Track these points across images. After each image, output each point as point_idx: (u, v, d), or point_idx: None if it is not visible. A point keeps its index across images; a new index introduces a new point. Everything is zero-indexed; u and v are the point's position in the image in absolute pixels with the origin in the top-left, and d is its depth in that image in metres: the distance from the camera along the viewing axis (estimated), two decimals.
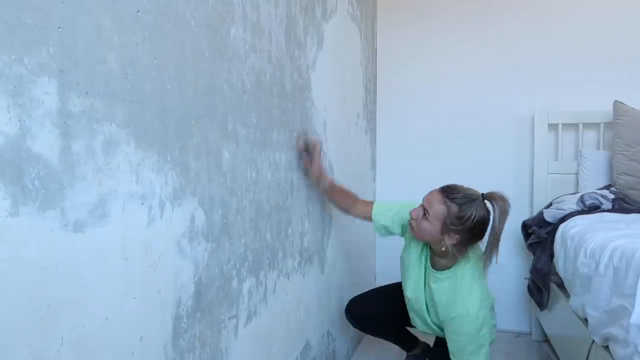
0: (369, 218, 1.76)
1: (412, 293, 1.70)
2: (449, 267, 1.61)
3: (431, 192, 1.56)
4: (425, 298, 1.68)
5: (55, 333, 0.68)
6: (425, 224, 1.54)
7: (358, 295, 1.96)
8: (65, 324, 0.70)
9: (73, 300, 0.71)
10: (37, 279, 0.65)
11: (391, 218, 1.74)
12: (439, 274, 1.62)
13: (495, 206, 1.50)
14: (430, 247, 1.65)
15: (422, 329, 1.78)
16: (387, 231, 1.76)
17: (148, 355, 0.87)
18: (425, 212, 1.54)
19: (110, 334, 0.78)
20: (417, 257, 1.69)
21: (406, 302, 1.76)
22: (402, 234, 1.76)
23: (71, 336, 0.71)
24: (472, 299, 1.55)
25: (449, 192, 1.53)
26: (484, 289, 1.60)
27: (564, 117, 2.54)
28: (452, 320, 1.56)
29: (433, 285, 1.63)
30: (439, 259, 1.63)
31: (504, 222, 1.51)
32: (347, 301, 1.95)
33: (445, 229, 1.52)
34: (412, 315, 1.78)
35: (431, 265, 1.65)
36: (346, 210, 1.81)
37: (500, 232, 1.51)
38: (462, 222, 1.49)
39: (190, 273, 1.00)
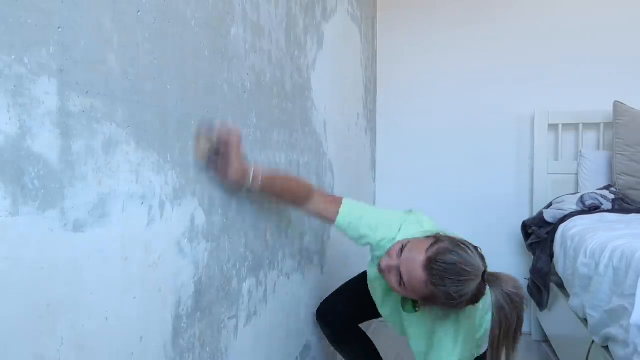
0: (329, 220, 1.36)
1: (390, 317, 1.48)
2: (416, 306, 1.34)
3: (410, 262, 1.15)
4: (404, 326, 1.41)
5: (55, 333, 0.68)
6: (400, 288, 1.20)
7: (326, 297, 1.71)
8: (65, 324, 0.70)
9: (73, 300, 0.71)
10: (37, 279, 0.65)
11: (361, 231, 1.35)
12: (412, 316, 1.34)
13: (500, 296, 1.11)
14: None
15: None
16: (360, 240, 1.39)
17: (148, 355, 0.87)
18: (401, 279, 1.18)
19: (110, 334, 0.78)
20: (387, 289, 1.41)
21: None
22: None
23: (71, 336, 0.71)
24: (451, 352, 1.24)
25: (435, 275, 1.12)
26: (466, 344, 1.26)
27: (564, 117, 2.54)
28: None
29: (406, 323, 1.37)
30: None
31: (515, 319, 1.11)
32: None
33: (427, 302, 1.21)
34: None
35: (401, 305, 1.38)
36: (299, 205, 1.34)
37: (512, 328, 1.11)
38: (451, 300, 1.14)
39: (190, 273, 1.00)
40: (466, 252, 1.14)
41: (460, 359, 1.23)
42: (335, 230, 1.44)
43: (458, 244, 1.15)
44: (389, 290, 1.39)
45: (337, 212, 1.33)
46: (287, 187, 1.31)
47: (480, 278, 1.13)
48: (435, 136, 2.77)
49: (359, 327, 1.68)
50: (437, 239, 1.18)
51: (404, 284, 1.17)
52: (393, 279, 1.19)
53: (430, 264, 1.12)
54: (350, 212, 1.34)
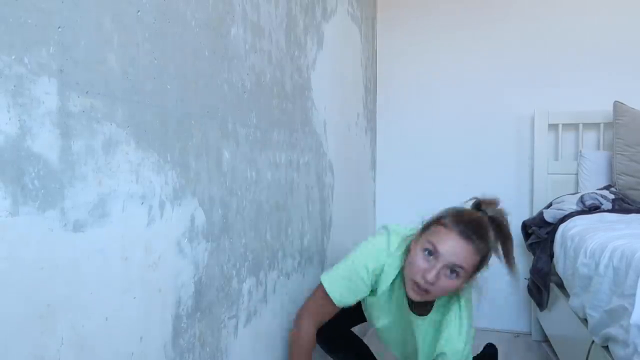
0: (329, 315, 1.43)
1: (388, 334, 1.50)
2: (430, 307, 1.38)
3: (455, 244, 1.21)
4: (406, 338, 1.46)
5: (55, 333, 0.68)
6: (452, 283, 1.22)
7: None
8: (65, 324, 0.70)
9: (73, 300, 0.71)
10: (37, 279, 0.65)
11: (358, 287, 1.38)
12: (420, 320, 1.38)
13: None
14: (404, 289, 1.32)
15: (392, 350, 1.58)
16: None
17: (148, 355, 0.87)
18: (454, 270, 1.21)
19: (110, 334, 0.78)
20: (387, 302, 1.42)
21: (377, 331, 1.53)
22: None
23: (71, 336, 0.71)
24: (460, 337, 1.31)
25: (477, 235, 1.22)
26: (470, 322, 1.36)
27: (564, 117, 2.54)
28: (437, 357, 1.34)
29: (416, 330, 1.41)
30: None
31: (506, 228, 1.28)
32: None
33: (472, 276, 1.27)
34: (383, 339, 1.56)
35: (410, 309, 1.40)
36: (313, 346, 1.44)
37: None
38: (487, 260, 1.26)
39: (190, 273, 1.00)
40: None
41: (467, 339, 1.32)
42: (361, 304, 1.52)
43: (458, 209, 1.33)
44: (388, 301, 1.41)
45: (331, 300, 1.38)
46: None
47: (487, 221, 1.27)
48: (435, 136, 2.77)
49: (351, 331, 1.66)
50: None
51: (458, 270, 1.21)
52: (441, 274, 1.21)
53: (469, 234, 1.21)
54: (335, 287, 1.38)
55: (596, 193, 2.19)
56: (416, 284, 1.23)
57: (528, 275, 2.32)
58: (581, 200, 2.16)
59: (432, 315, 1.37)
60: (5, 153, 0.60)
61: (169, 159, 0.92)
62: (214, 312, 1.09)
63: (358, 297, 1.40)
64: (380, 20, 2.85)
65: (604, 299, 1.34)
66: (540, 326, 2.42)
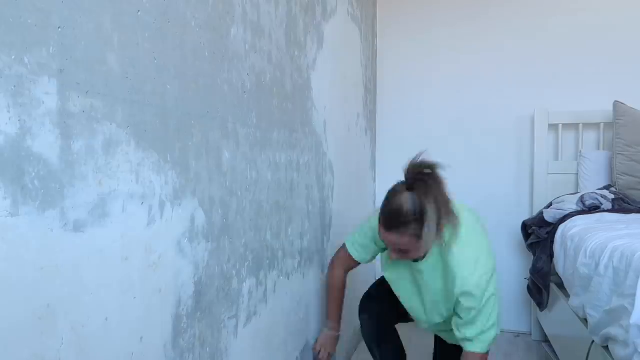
0: (352, 267, 1.70)
1: (409, 302, 1.59)
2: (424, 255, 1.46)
3: (388, 236, 1.36)
4: (422, 297, 1.53)
5: (55, 333, 0.68)
6: (413, 253, 1.37)
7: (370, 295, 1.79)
8: (65, 324, 0.70)
9: (73, 300, 0.71)
10: (37, 279, 0.65)
11: (369, 247, 1.63)
12: (421, 265, 1.47)
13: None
14: None
15: (426, 327, 1.66)
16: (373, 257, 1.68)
17: (148, 355, 0.87)
18: (403, 250, 1.37)
19: (110, 334, 0.78)
20: (399, 264, 1.56)
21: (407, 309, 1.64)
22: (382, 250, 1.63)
23: (71, 336, 0.71)
24: (468, 269, 1.37)
25: (398, 224, 1.32)
26: (477, 254, 1.40)
27: (564, 117, 2.54)
28: (457, 303, 1.41)
29: (420, 279, 1.49)
30: None
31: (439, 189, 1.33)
32: (347, 301, 1.94)
33: (425, 243, 1.34)
34: (414, 316, 1.65)
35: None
36: (345, 288, 1.75)
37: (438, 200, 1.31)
38: (425, 225, 1.30)
39: (190, 273, 1.00)
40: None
41: (485, 271, 1.38)
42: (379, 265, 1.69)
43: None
44: (401, 269, 1.56)
45: (351, 256, 1.66)
46: (340, 301, 1.73)
47: (404, 192, 1.35)
48: (435, 136, 2.77)
49: (396, 331, 1.76)
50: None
51: (403, 252, 1.37)
52: (399, 255, 1.39)
53: (387, 225, 1.36)
54: (356, 246, 1.65)
55: (596, 193, 2.19)
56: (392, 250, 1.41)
57: (528, 275, 2.31)
58: (581, 200, 2.16)
59: (430, 260, 1.44)
60: (5, 153, 0.60)
61: (169, 159, 0.92)
62: (214, 312, 1.09)
63: (371, 254, 1.64)
64: (380, 20, 2.85)
65: (604, 299, 1.34)
66: (540, 326, 2.42)
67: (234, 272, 1.18)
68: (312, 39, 1.72)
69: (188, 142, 0.98)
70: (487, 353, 1.41)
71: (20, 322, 0.63)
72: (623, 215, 1.99)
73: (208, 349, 1.07)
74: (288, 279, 1.53)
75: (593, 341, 1.42)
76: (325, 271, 1.91)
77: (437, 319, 1.53)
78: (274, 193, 1.41)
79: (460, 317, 1.41)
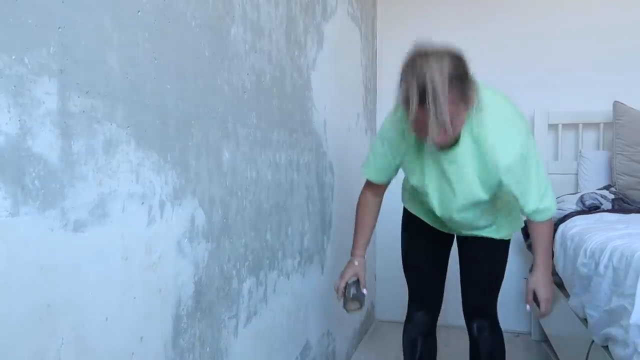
0: (381, 191, 1.53)
1: (440, 202, 1.41)
2: (456, 140, 1.30)
3: (421, 112, 1.13)
4: (454, 192, 1.36)
5: (55, 333, 0.68)
6: (459, 120, 1.19)
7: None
8: (65, 324, 0.70)
9: (73, 300, 0.71)
10: (37, 279, 0.65)
11: (386, 163, 1.44)
12: (451, 155, 1.31)
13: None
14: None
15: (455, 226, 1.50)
16: (394, 171, 1.48)
17: (148, 355, 0.87)
18: (445, 124, 1.14)
19: (110, 334, 0.78)
20: (417, 152, 1.38)
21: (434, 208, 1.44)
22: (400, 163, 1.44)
23: (71, 336, 0.71)
24: (504, 137, 1.27)
25: (427, 97, 1.12)
26: (510, 114, 1.31)
27: (564, 117, 2.54)
28: (502, 175, 1.28)
29: (450, 170, 1.34)
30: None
31: None
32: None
33: (464, 107, 1.19)
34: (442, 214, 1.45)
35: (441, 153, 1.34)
36: (375, 212, 1.58)
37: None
38: (462, 82, 1.18)
39: (190, 273, 1.00)
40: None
41: (520, 134, 1.29)
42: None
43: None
44: (422, 151, 1.37)
45: (370, 182, 1.50)
46: (369, 229, 1.58)
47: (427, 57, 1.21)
48: None
49: (435, 339, 1.68)
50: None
51: (449, 124, 1.14)
52: (435, 131, 1.15)
53: (421, 95, 1.13)
54: (370, 171, 1.48)
55: (596, 193, 2.19)
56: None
57: (528, 275, 2.31)
58: (581, 200, 2.16)
59: (462, 146, 1.29)
60: (5, 153, 0.60)
61: (169, 159, 0.92)
62: (214, 312, 1.09)
63: (387, 169, 1.45)
64: (380, 20, 2.85)
65: (604, 299, 1.34)
66: (540, 326, 2.42)
67: (234, 272, 1.18)
68: (312, 39, 1.72)
69: (188, 142, 0.98)
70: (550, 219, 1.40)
71: (21, 322, 0.63)
72: (623, 215, 1.99)
73: (208, 349, 1.07)
74: (288, 279, 1.53)
75: (593, 341, 1.43)
76: (325, 271, 1.91)
77: (469, 214, 1.41)
78: (274, 193, 1.41)
79: (514, 194, 1.32)
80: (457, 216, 1.42)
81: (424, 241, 1.57)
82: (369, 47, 2.67)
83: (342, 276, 1.50)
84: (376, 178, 1.48)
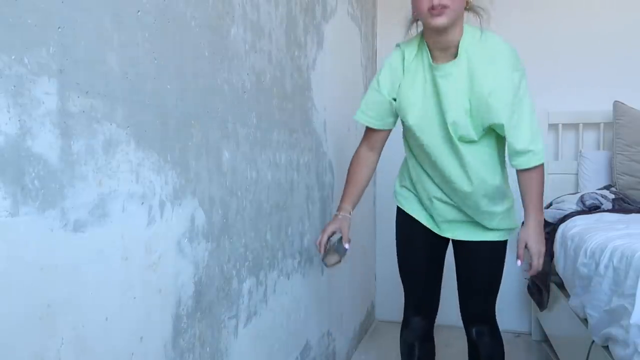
0: (376, 144, 1.51)
1: (422, 126, 1.36)
2: (455, 53, 1.33)
3: None
4: (442, 103, 1.33)
5: (55, 333, 0.68)
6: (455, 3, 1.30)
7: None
8: (65, 324, 0.70)
9: (73, 300, 0.71)
10: (37, 279, 0.65)
11: (381, 102, 1.41)
12: (448, 68, 1.32)
13: None
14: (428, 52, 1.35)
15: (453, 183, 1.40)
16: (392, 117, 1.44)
17: (148, 355, 0.87)
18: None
19: (110, 334, 0.78)
20: (413, 80, 1.38)
21: (432, 155, 1.38)
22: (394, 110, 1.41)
23: (71, 336, 0.71)
24: (502, 45, 1.35)
25: None
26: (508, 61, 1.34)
27: (564, 117, 2.54)
28: (488, 100, 1.29)
29: (444, 88, 1.32)
30: (441, 53, 1.34)
31: None
32: (347, 301, 1.92)
33: None
34: (438, 166, 1.39)
35: (436, 63, 1.35)
36: (367, 168, 1.55)
37: None
38: None
39: (190, 273, 1.00)
40: None
41: (518, 68, 1.35)
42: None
43: None
44: (418, 77, 1.38)
45: (368, 128, 1.47)
46: (359, 184, 1.52)
47: None
48: None
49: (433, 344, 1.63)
50: None
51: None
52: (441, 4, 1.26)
53: None
54: (363, 110, 1.45)
55: (596, 193, 2.19)
56: (432, 9, 1.26)
57: (528, 276, 2.31)
58: (581, 200, 2.16)
59: (459, 61, 1.32)
60: (5, 153, 0.60)
61: (169, 159, 0.92)
62: (214, 312, 1.09)
63: (381, 110, 1.42)
64: (380, 20, 2.85)
65: (604, 299, 1.34)
66: (540, 326, 2.41)
67: (234, 272, 1.18)
68: (312, 39, 1.72)
69: (188, 142, 0.99)
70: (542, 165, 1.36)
71: (21, 322, 0.63)
72: (623, 215, 1.99)
73: (208, 349, 1.07)
74: (288, 279, 1.53)
75: (593, 341, 1.42)
76: (325, 271, 1.91)
77: (465, 156, 1.35)
78: (274, 193, 1.41)
79: (503, 130, 1.31)
80: (456, 173, 1.36)
81: (418, 245, 1.52)
82: (369, 47, 2.67)
83: (324, 230, 1.44)
84: (369, 120, 1.44)
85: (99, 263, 0.76)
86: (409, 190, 1.53)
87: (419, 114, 1.36)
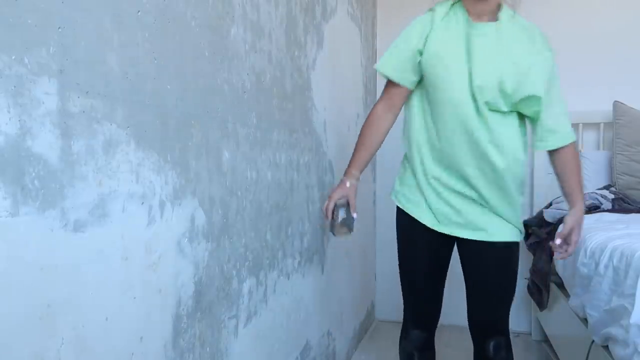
0: (395, 103, 1.42)
1: (459, 93, 1.28)
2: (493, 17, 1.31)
3: None
4: (472, 62, 1.27)
5: (55, 333, 0.68)
6: None
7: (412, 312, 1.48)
8: (65, 324, 0.70)
9: (73, 300, 0.71)
10: (37, 279, 0.65)
11: (404, 58, 1.35)
12: (487, 26, 1.29)
13: None
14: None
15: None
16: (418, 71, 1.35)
17: (148, 355, 0.87)
18: None
19: (110, 334, 0.78)
20: (446, 34, 1.32)
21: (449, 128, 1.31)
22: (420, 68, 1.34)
23: (71, 336, 0.71)
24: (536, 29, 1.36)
25: None
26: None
27: None
28: (528, 72, 1.27)
29: (476, 40, 1.28)
30: (477, 18, 1.30)
31: None
32: (347, 301, 1.92)
33: None
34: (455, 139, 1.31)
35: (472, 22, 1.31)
36: (381, 131, 1.44)
37: None
38: None
39: (190, 273, 1.00)
40: None
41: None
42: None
43: None
44: (452, 33, 1.33)
45: (389, 81, 1.40)
46: (371, 148, 1.43)
47: None
48: None
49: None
50: None
51: None
52: None
53: None
54: (386, 60, 1.39)
55: (596, 193, 2.19)
56: None
57: (528, 275, 2.32)
58: None
59: (499, 27, 1.30)
60: (5, 153, 0.60)
61: (169, 159, 0.92)
62: (214, 312, 1.09)
63: (407, 63, 1.35)
64: (380, 20, 2.85)
65: (604, 298, 1.34)
66: (540, 326, 2.42)
67: (234, 272, 1.18)
68: (312, 39, 1.72)
69: (188, 142, 0.99)
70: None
71: (21, 322, 0.63)
72: (623, 215, 1.99)
73: (208, 349, 1.07)
74: (288, 279, 1.53)
75: (593, 341, 1.43)
76: (325, 271, 1.91)
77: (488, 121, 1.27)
78: (274, 193, 1.41)
79: (537, 105, 1.28)
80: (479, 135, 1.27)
81: (420, 246, 1.40)
82: (369, 47, 2.67)
83: (330, 197, 1.36)
84: (391, 72, 1.37)
85: (99, 263, 0.76)
86: (411, 187, 1.40)
87: (447, 66, 1.29)
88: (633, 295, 1.15)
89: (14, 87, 0.61)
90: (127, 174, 0.81)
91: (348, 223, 1.36)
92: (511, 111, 1.30)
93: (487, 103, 1.26)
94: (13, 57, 0.61)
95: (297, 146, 1.59)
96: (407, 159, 1.45)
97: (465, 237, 1.34)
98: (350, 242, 2.26)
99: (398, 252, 1.46)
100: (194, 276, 1.01)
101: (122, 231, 0.80)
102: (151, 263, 0.88)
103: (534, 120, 1.35)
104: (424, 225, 1.37)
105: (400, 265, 1.47)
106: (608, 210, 2.06)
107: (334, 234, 1.37)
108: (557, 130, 1.31)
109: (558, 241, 1.33)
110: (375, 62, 2.83)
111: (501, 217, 1.33)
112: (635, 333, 1.11)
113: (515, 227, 1.36)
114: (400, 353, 1.53)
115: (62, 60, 0.68)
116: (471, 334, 1.43)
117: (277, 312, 1.45)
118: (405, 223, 1.42)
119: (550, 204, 2.32)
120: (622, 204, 2.12)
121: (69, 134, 0.70)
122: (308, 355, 1.73)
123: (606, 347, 1.33)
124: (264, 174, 1.34)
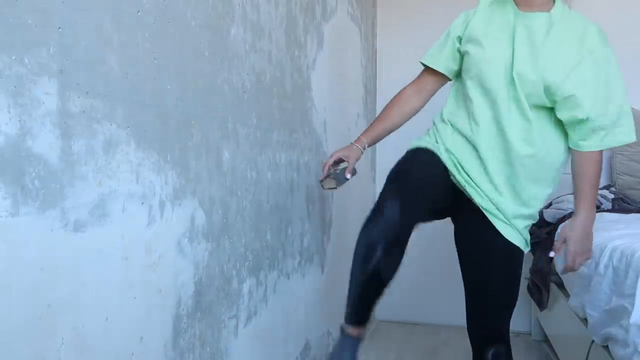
0: (425, 87, 1.46)
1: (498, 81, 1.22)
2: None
3: None
4: (515, 52, 1.22)
5: (55, 333, 0.68)
6: None
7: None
8: (65, 324, 0.70)
9: (73, 300, 0.71)
10: (37, 279, 0.65)
11: (446, 48, 1.35)
12: (537, 16, 1.24)
13: None
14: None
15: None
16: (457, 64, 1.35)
17: (148, 355, 0.88)
18: None
19: (110, 334, 0.78)
20: (489, 24, 1.28)
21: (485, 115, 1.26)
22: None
23: (71, 336, 0.71)
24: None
25: None
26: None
27: None
28: (576, 68, 1.23)
29: (522, 29, 1.24)
30: (527, 8, 1.26)
31: None
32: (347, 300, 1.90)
33: None
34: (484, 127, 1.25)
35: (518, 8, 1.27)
36: (405, 110, 1.47)
37: None
38: None
39: (190, 273, 1.00)
40: None
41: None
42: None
43: None
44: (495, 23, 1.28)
45: (426, 68, 1.42)
46: (386, 123, 1.45)
47: None
48: None
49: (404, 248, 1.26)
50: None
51: None
52: None
53: None
54: (429, 53, 1.41)
55: None
56: None
57: (528, 275, 2.32)
58: None
59: (551, 18, 1.26)
60: (5, 153, 0.60)
61: (169, 159, 0.92)
62: (214, 312, 1.09)
63: (448, 51, 1.36)
64: (380, 20, 2.85)
65: (604, 298, 1.34)
66: (540, 326, 2.42)
67: (234, 272, 1.18)
68: (312, 39, 1.72)
69: (188, 142, 0.99)
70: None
71: (21, 322, 0.63)
72: (623, 215, 1.99)
73: (208, 349, 1.07)
74: (288, 279, 1.53)
75: (593, 341, 1.43)
76: (325, 271, 1.91)
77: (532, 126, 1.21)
78: (274, 193, 1.41)
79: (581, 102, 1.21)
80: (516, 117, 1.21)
81: (421, 167, 1.28)
82: (369, 47, 2.67)
83: (332, 154, 1.37)
84: (428, 59, 1.40)
85: (99, 263, 0.76)
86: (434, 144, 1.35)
87: (484, 49, 1.25)
88: (633, 295, 1.15)
89: (14, 87, 0.61)
90: (127, 174, 0.81)
91: (339, 180, 1.37)
92: (552, 109, 1.23)
93: (528, 95, 1.20)
94: (13, 57, 0.61)
95: (297, 146, 1.59)
96: (436, 127, 1.43)
97: (477, 201, 1.24)
98: (350, 242, 2.25)
99: (396, 164, 1.32)
100: (194, 276, 1.01)
101: (122, 231, 0.80)
102: (151, 263, 0.88)
103: (568, 127, 1.26)
104: (440, 160, 1.28)
105: (395, 166, 1.32)
106: (608, 210, 2.06)
107: (322, 186, 1.39)
108: (600, 129, 1.24)
109: (552, 254, 1.32)
110: (375, 62, 2.83)
111: (509, 224, 1.28)
112: (635, 333, 1.11)
113: (522, 235, 1.30)
114: (357, 245, 1.23)
115: (62, 61, 0.68)
116: (470, 340, 1.35)
117: (277, 312, 1.45)
118: (419, 148, 1.37)
119: (551, 204, 2.32)
120: (622, 204, 2.12)
121: (69, 134, 0.70)
122: (308, 355, 1.73)
123: (606, 347, 1.33)
124: (264, 174, 1.34)
